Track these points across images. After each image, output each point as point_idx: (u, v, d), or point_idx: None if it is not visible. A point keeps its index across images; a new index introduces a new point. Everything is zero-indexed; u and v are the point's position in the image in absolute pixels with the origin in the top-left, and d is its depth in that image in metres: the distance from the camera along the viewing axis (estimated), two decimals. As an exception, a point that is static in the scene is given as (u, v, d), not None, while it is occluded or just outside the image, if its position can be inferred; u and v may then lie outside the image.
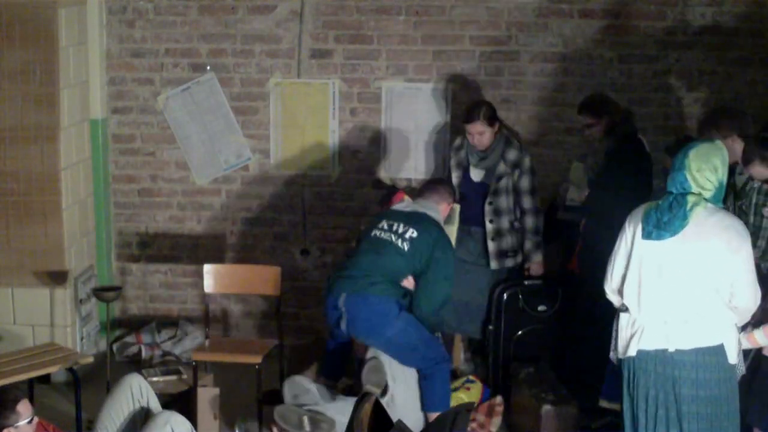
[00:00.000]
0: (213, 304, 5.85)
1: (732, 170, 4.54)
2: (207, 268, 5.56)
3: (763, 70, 6.00)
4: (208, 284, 5.53)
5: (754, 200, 4.38)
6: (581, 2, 6.00)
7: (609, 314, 4.53)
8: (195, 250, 6.39)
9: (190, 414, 5.03)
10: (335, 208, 6.26)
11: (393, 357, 4.86)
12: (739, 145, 4.44)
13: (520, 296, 5.48)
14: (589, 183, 5.48)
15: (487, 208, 5.45)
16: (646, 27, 6.00)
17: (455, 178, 5.58)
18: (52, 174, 5.70)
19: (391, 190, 5.89)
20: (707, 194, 3.80)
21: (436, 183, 5.37)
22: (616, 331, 4.05)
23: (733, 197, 4.49)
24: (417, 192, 5.17)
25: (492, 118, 5.42)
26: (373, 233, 5.01)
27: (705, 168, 3.79)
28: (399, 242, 4.90)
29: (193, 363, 5.17)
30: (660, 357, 3.87)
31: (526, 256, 5.54)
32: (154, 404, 4.51)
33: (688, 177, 3.79)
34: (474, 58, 6.11)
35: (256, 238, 6.36)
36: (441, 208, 5.16)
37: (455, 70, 6.12)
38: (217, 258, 6.24)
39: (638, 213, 3.95)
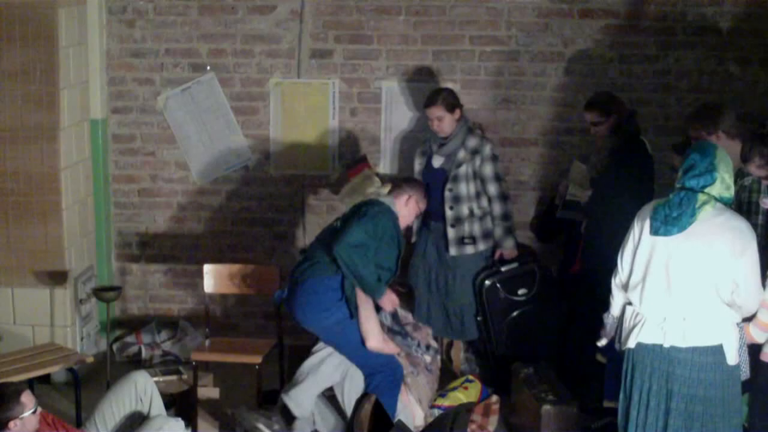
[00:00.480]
0: (213, 304, 5.85)
1: None
2: (207, 268, 5.56)
3: (763, 70, 6.00)
4: (208, 284, 5.53)
5: (752, 198, 4.37)
6: (581, 2, 6.00)
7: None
8: (195, 250, 6.39)
9: (190, 414, 5.04)
10: (335, 208, 6.25)
11: (337, 350, 4.88)
12: (725, 142, 4.45)
13: (498, 285, 5.53)
14: (591, 182, 5.48)
15: (447, 194, 5.51)
16: (646, 27, 6.00)
17: (418, 164, 5.70)
18: (52, 174, 5.70)
19: (356, 160, 5.97)
20: (728, 194, 3.84)
21: (398, 179, 5.40)
22: (621, 321, 4.08)
23: None
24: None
25: (452, 105, 5.50)
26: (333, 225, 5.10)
27: (729, 170, 3.85)
28: (337, 223, 4.98)
29: (193, 363, 5.17)
30: (656, 351, 3.90)
31: (497, 242, 5.59)
32: (157, 404, 4.53)
33: (718, 178, 3.80)
34: (474, 58, 6.11)
35: (256, 238, 6.36)
36: (400, 201, 5.08)
37: (455, 70, 6.12)
38: (217, 258, 6.24)
39: (647, 209, 3.97)
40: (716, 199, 3.81)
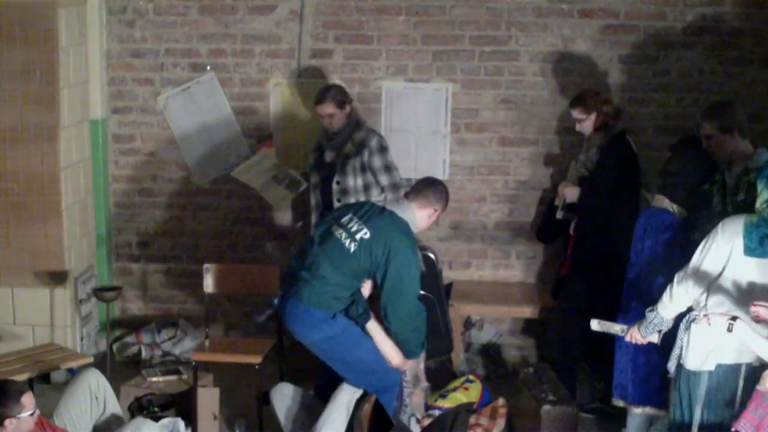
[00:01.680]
0: (213, 304, 5.85)
1: (717, 167, 4.53)
2: (207, 268, 5.56)
3: (763, 70, 6.00)
4: (208, 284, 5.53)
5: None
6: (581, 2, 6.00)
7: (602, 312, 4.54)
8: (195, 250, 6.39)
9: (190, 414, 5.04)
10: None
11: (329, 364, 4.62)
12: (736, 140, 4.43)
13: None
14: (579, 180, 5.49)
15: (335, 187, 5.56)
16: (646, 27, 6.00)
17: (312, 159, 5.76)
18: (52, 174, 5.70)
19: (265, 136, 6.10)
20: None
21: (426, 185, 4.75)
22: (683, 341, 3.94)
23: (721, 195, 4.44)
24: (410, 190, 4.84)
25: (342, 101, 5.55)
26: (331, 227, 4.60)
27: None
28: (347, 242, 4.48)
29: (193, 363, 5.17)
30: (740, 371, 3.81)
31: None
32: (112, 401, 4.58)
33: None
34: (474, 58, 6.11)
35: (256, 238, 6.36)
36: (424, 214, 4.67)
37: (455, 70, 6.12)
38: (217, 258, 6.24)
39: (736, 225, 3.80)
40: None
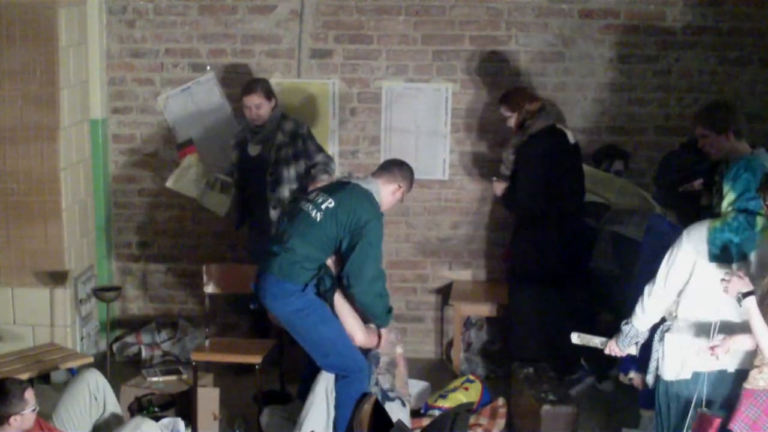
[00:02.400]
0: (213, 304, 5.84)
1: (715, 168, 4.53)
2: (207, 268, 5.55)
3: (763, 70, 6.00)
4: (208, 284, 5.53)
5: None
6: (581, 2, 6.00)
7: (545, 301, 4.93)
8: (195, 250, 6.39)
9: (190, 414, 5.04)
10: (335, 208, 6.26)
11: (300, 344, 4.67)
12: (731, 141, 4.42)
13: None
14: (504, 178, 5.61)
15: (269, 178, 5.65)
16: (646, 27, 6.00)
17: (234, 156, 5.81)
18: (52, 174, 5.70)
19: (185, 142, 6.08)
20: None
21: (391, 163, 4.90)
22: (659, 353, 3.93)
23: (720, 197, 4.42)
24: (377, 168, 4.94)
25: (269, 93, 5.67)
26: (299, 204, 4.75)
27: None
28: (314, 212, 4.59)
29: (193, 363, 5.17)
30: (719, 378, 3.79)
31: (312, 178, 5.69)
32: (112, 401, 4.58)
33: (764, 197, 3.64)
34: (474, 58, 6.11)
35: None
36: (388, 189, 4.75)
37: (455, 70, 6.12)
38: (217, 258, 6.24)
39: (700, 232, 3.79)
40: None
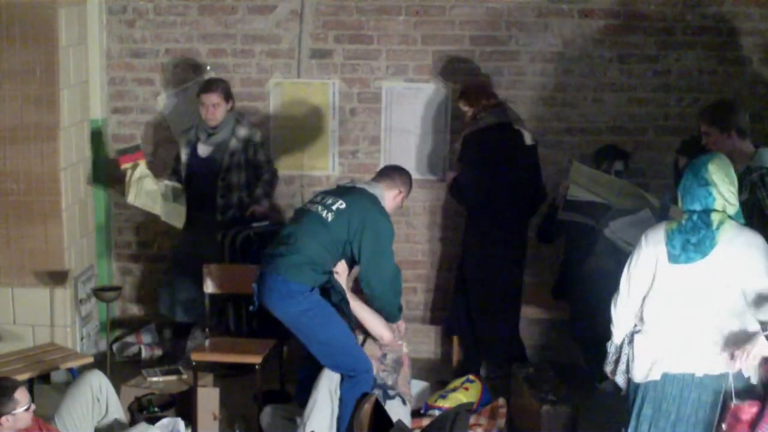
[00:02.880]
0: (213, 304, 5.84)
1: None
2: (207, 268, 5.55)
3: (763, 70, 6.00)
4: (208, 284, 5.53)
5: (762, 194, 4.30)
6: (581, 2, 6.00)
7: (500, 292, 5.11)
8: (195, 250, 6.38)
9: (190, 414, 5.04)
10: (335, 208, 6.25)
11: (306, 345, 4.66)
12: (734, 140, 4.42)
13: (253, 237, 5.66)
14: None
15: (220, 183, 5.68)
16: (646, 27, 6.00)
17: (184, 155, 5.80)
18: (52, 174, 5.69)
19: (132, 147, 5.86)
20: (731, 210, 3.69)
21: (392, 169, 5.00)
22: (628, 355, 3.92)
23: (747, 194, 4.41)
24: (377, 173, 4.99)
25: (228, 94, 5.72)
26: (305, 206, 4.79)
27: (727, 181, 3.69)
28: (324, 213, 4.61)
29: (193, 363, 5.16)
30: (687, 381, 3.77)
31: (255, 200, 5.78)
32: (114, 403, 4.57)
33: (713, 192, 3.66)
34: (474, 58, 6.11)
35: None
36: (390, 194, 4.83)
37: (455, 70, 6.11)
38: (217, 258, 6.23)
39: (658, 234, 3.78)
40: (729, 216, 3.67)
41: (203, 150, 5.76)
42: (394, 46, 6.12)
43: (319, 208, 4.64)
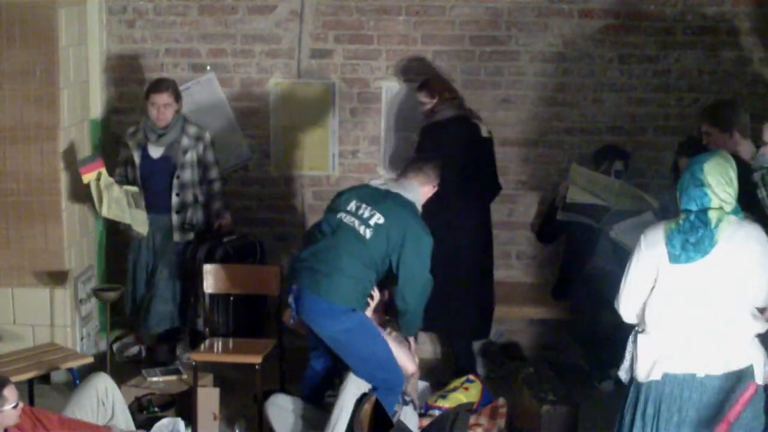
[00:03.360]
0: (213, 304, 5.84)
1: None
2: (207, 268, 5.55)
3: (763, 70, 6.00)
4: (208, 284, 5.53)
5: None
6: (581, 2, 6.00)
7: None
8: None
9: (190, 414, 5.04)
10: (335, 208, 6.25)
11: (343, 358, 4.65)
12: (735, 140, 4.41)
13: (231, 252, 5.71)
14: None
15: (175, 181, 5.69)
16: (646, 27, 6.00)
17: (137, 158, 5.75)
18: (52, 174, 5.69)
19: (91, 157, 5.72)
20: (728, 208, 3.66)
21: (422, 162, 4.85)
22: (632, 353, 3.89)
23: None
24: (401, 170, 4.89)
25: (178, 94, 5.71)
26: (338, 215, 4.61)
27: (723, 181, 3.66)
28: (362, 229, 4.52)
29: (193, 363, 5.16)
30: (688, 382, 3.75)
31: (216, 215, 5.80)
32: (120, 406, 4.55)
33: (709, 192, 3.64)
34: (474, 58, 6.11)
35: (256, 238, 6.34)
36: (423, 191, 4.76)
37: (455, 70, 6.11)
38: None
39: (657, 235, 3.75)
40: (727, 213, 3.64)
41: (155, 151, 5.72)
42: (394, 46, 6.12)
43: (356, 222, 4.54)
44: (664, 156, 6.02)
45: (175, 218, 5.73)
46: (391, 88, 6.16)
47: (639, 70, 6.05)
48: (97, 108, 6.18)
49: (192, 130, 5.75)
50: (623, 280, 3.89)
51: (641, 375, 3.87)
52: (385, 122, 6.19)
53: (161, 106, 5.63)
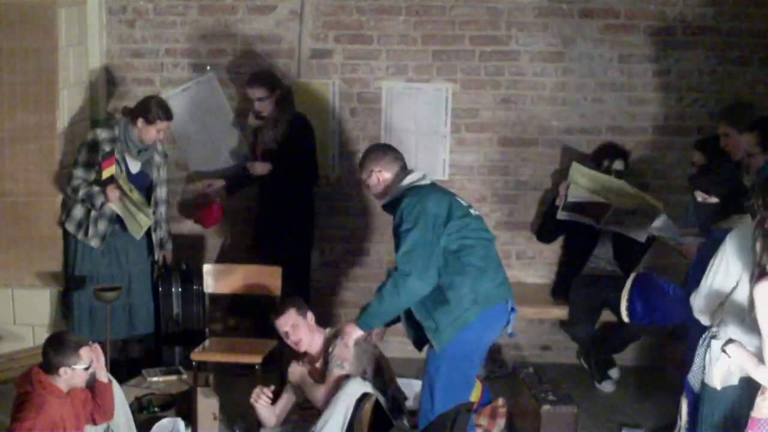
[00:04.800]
0: (213, 304, 5.84)
1: (738, 166, 4.50)
2: (207, 268, 5.55)
3: (763, 70, 6.00)
4: (208, 284, 5.53)
5: None
6: (581, 2, 6.00)
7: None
8: (195, 250, 6.38)
9: (190, 414, 5.04)
10: (335, 208, 6.26)
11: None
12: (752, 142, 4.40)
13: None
14: (264, 155, 5.80)
15: (153, 198, 5.67)
16: (646, 27, 6.00)
17: (121, 170, 5.62)
18: (51, 174, 5.69)
19: (108, 153, 5.45)
20: None
21: (392, 149, 4.63)
22: (704, 359, 3.86)
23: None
24: (402, 168, 4.52)
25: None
26: (473, 227, 4.39)
27: None
28: (481, 223, 4.48)
29: (193, 363, 5.16)
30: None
31: (162, 245, 5.79)
32: (120, 403, 4.53)
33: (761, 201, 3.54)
34: (474, 58, 6.11)
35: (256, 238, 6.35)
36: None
37: (455, 70, 6.12)
38: (217, 258, 6.23)
39: (738, 241, 3.67)
40: None
41: (133, 165, 5.62)
42: (394, 46, 6.12)
43: (474, 215, 4.45)
44: (665, 156, 6.02)
45: (154, 236, 5.69)
46: (391, 88, 6.16)
47: (639, 70, 6.05)
48: (96, 108, 6.17)
49: (160, 147, 5.72)
50: (704, 280, 3.81)
51: (716, 381, 3.80)
52: (385, 122, 6.19)
53: (163, 132, 5.59)
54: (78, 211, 5.54)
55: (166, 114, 5.52)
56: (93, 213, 5.48)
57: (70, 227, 5.57)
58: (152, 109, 5.45)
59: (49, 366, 4.00)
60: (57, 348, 4.00)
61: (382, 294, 4.26)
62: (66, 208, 5.62)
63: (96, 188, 5.40)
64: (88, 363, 4.04)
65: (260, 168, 5.80)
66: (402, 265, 4.20)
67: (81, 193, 5.42)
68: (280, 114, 5.75)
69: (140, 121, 5.45)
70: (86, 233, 5.52)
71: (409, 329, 4.40)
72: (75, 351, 4.00)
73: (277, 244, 5.79)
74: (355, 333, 4.48)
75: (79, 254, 5.58)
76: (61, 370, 3.98)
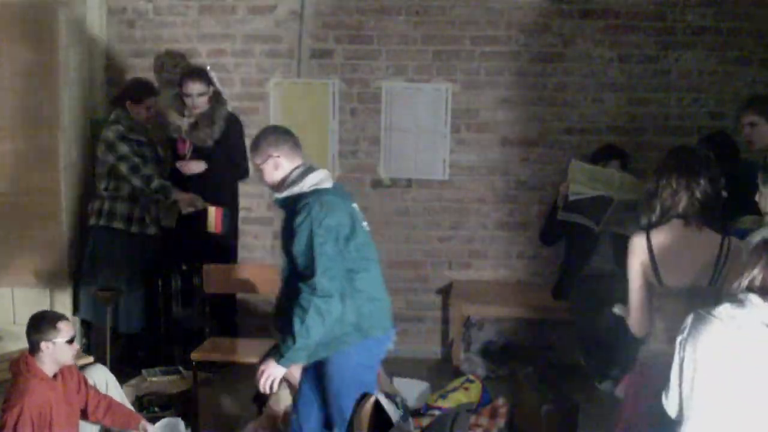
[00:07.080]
0: (213, 304, 5.84)
1: (737, 163, 4.49)
2: (207, 268, 5.55)
3: (763, 70, 6.00)
4: (208, 284, 5.53)
5: None
6: (581, 2, 6.00)
7: None
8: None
9: (190, 414, 5.04)
10: (335, 208, 6.25)
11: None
12: None
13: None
14: (201, 153, 5.78)
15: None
16: (646, 27, 6.00)
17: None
18: (52, 174, 5.69)
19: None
20: None
21: (291, 134, 4.05)
22: None
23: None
24: (300, 159, 4.00)
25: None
26: (370, 244, 4.02)
27: None
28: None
29: (193, 363, 5.16)
30: None
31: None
32: (120, 401, 4.53)
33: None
34: (474, 58, 6.11)
35: (256, 238, 6.35)
36: None
37: (455, 70, 6.12)
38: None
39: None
40: None
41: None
42: (394, 46, 6.12)
43: (367, 228, 4.04)
44: (661, 155, 6.01)
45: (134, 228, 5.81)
46: (391, 88, 6.16)
47: (639, 70, 6.05)
48: (97, 108, 6.17)
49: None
50: (734, 286, 3.73)
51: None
52: (385, 122, 6.19)
53: (153, 107, 5.80)
54: (122, 207, 5.67)
55: (151, 89, 5.76)
56: (161, 203, 5.76)
57: (118, 224, 5.66)
58: (136, 88, 5.73)
59: (33, 345, 4.03)
60: (36, 325, 4.04)
61: (307, 324, 3.81)
62: (95, 208, 5.71)
63: (167, 182, 5.65)
64: (68, 336, 4.04)
65: (195, 167, 5.74)
66: (321, 286, 3.76)
67: (155, 184, 5.61)
68: (216, 111, 5.76)
69: (128, 104, 5.68)
70: (140, 224, 5.70)
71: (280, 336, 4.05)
72: (52, 324, 4.01)
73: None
74: (278, 373, 4.06)
75: (97, 251, 5.71)
76: (42, 345, 3.99)
